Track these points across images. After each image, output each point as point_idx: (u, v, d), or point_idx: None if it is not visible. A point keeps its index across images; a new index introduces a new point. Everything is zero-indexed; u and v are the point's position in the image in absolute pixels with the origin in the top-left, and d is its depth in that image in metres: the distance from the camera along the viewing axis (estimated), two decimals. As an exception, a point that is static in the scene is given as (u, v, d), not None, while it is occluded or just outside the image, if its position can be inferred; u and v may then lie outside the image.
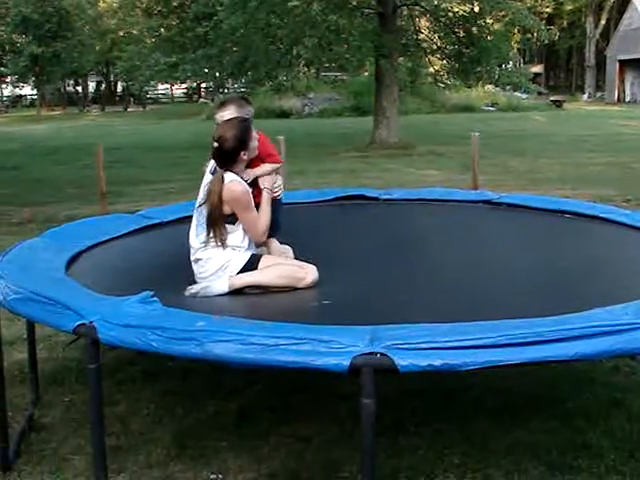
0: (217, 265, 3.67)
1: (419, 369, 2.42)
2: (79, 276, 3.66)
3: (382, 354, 2.45)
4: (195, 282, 3.70)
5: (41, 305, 3.11)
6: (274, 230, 3.99)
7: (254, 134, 3.86)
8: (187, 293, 3.60)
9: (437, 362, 2.42)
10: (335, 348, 2.50)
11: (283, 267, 3.72)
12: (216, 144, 3.72)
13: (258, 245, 3.87)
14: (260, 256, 3.77)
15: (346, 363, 2.44)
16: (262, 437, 3.63)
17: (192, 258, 3.77)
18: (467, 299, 3.47)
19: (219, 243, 3.69)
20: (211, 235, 3.69)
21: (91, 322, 2.85)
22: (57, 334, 4.93)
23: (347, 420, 3.68)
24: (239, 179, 3.73)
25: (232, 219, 3.70)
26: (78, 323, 2.88)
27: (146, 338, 2.71)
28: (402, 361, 2.42)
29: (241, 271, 3.68)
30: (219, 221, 3.68)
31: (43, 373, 4.40)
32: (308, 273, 3.67)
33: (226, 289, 3.62)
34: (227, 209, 3.67)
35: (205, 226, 3.70)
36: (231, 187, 3.66)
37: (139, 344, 2.74)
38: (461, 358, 2.43)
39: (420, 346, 2.47)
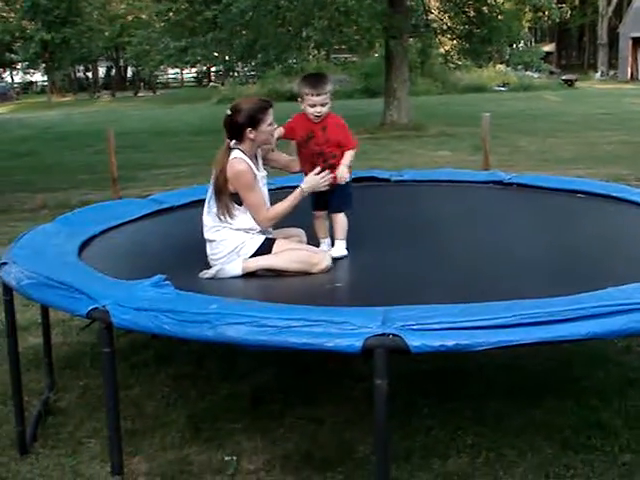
0: (229, 248, 3.67)
1: (431, 349, 2.42)
2: (92, 261, 3.68)
3: (394, 335, 2.45)
4: (208, 265, 3.71)
5: (54, 290, 3.12)
6: (346, 205, 3.93)
7: (271, 121, 3.74)
8: (201, 276, 3.61)
9: (449, 342, 2.42)
10: (348, 329, 2.50)
11: (297, 252, 3.70)
12: (229, 112, 3.73)
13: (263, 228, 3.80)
14: (274, 240, 3.77)
15: (359, 344, 2.45)
16: (276, 419, 3.65)
17: (205, 236, 3.77)
18: (479, 280, 3.46)
19: (226, 218, 3.68)
20: (219, 210, 3.69)
21: (104, 306, 2.86)
22: (71, 318, 4.97)
23: (361, 401, 3.69)
24: (242, 157, 3.68)
25: (237, 198, 3.68)
26: (91, 307, 2.90)
27: (159, 321, 2.72)
28: (414, 342, 2.42)
29: (254, 254, 3.68)
30: (223, 192, 3.67)
31: (58, 357, 4.44)
32: (322, 259, 3.66)
33: (240, 272, 3.63)
34: (232, 187, 3.66)
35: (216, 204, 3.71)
36: (233, 164, 3.64)
37: (152, 327, 2.75)
38: (473, 338, 2.43)
39: (432, 327, 2.47)
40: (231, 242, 3.68)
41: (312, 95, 3.72)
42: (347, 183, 3.85)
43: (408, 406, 3.66)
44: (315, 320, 2.57)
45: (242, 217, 3.69)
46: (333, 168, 3.78)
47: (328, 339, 2.50)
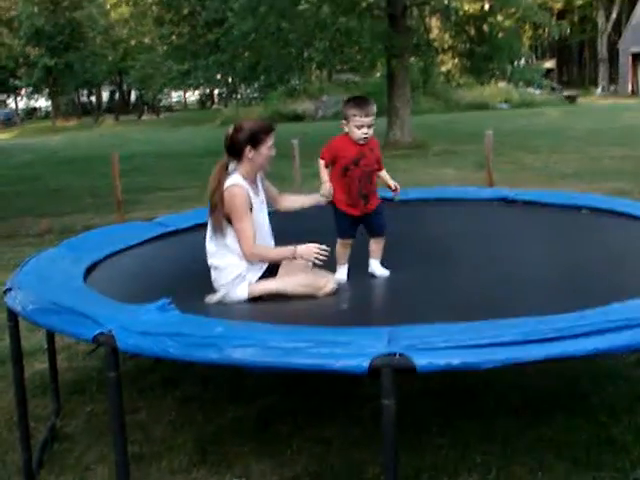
0: (234, 274, 3.66)
1: (438, 368, 2.41)
2: (97, 285, 3.68)
3: (401, 354, 2.44)
4: (213, 288, 3.71)
5: (60, 315, 3.12)
6: (386, 227, 3.98)
7: (271, 145, 3.77)
8: (207, 301, 3.61)
9: (455, 361, 2.41)
10: (354, 350, 2.49)
11: (302, 276, 3.69)
12: (231, 129, 3.75)
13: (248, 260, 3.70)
14: (278, 264, 3.76)
15: (365, 364, 2.44)
16: (284, 441, 3.63)
17: (209, 262, 3.77)
18: (484, 297, 3.45)
19: (220, 235, 3.66)
20: (213, 228, 3.69)
21: (110, 330, 2.86)
22: (77, 343, 4.96)
23: (369, 421, 3.67)
24: (241, 183, 3.67)
25: None
26: (97, 332, 2.89)
27: (164, 345, 2.71)
28: (421, 361, 2.41)
29: (259, 279, 3.68)
30: (218, 210, 3.66)
31: (64, 383, 4.43)
32: (328, 282, 3.66)
33: (245, 296, 3.63)
34: (226, 211, 3.66)
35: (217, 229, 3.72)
36: (231, 190, 3.64)
37: (158, 351, 2.74)
38: (479, 356, 2.42)
39: (438, 345, 2.46)
40: (236, 268, 3.67)
41: (361, 116, 3.75)
42: (381, 206, 3.95)
43: (417, 425, 3.64)
44: (321, 341, 2.56)
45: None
46: (367, 198, 3.86)
47: (335, 360, 2.48)
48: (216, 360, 2.63)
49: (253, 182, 3.78)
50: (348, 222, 3.87)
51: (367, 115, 3.76)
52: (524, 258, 4.21)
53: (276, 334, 2.67)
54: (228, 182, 3.66)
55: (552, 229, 4.93)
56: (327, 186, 3.83)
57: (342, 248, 3.92)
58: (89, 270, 4.07)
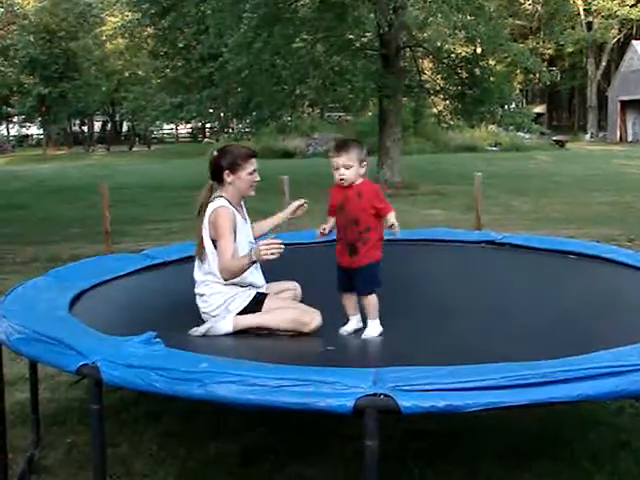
0: (219, 301, 3.68)
1: (422, 410, 2.41)
2: (82, 316, 3.66)
3: (385, 395, 2.44)
4: (199, 321, 3.71)
5: (44, 345, 3.11)
6: (376, 284, 3.65)
7: (252, 171, 3.83)
8: (192, 333, 3.60)
9: (440, 403, 2.41)
10: (339, 389, 2.49)
11: (288, 311, 3.71)
12: (216, 153, 3.86)
13: (225, 278, 3.69)
14: (265, 295, 3.77)
15: (350, 404, 2.43)
16: (265, 478, 3.60)
17: (195, 291, 3.78)
18: (470, 341, 3.46)
19: (202, 260, 3.72)
20: (197, 251, 3.75)
21: (94, 362, 2.84)
22: (60, 374, 4.91)
23: (351, 461, 3.65)
24: (226, 205, 3.75)
25: None
26: (81, 363, 2.88)
27: (149, 379, 2.70)
28: (405, 402, 2.41)
29: (245, 309, 3.68)
30: (199, 235, 3.74)
31: (45, 414, 4.38)
32: (313, 319, 3.66)
33: (230, 329, 3.63)
34: (213, 234, 3.71)
35: (204, 254, 3.74)
36: (216, 211, 3.72)
37: (142, 385, 2.73)
38: (464, 399, 2.42)
39: (423, 387, 2.46)
40: (221, 296, 3.69)
41: (333, 157, 3.64)
42: (369, 264, 3.61)
43: (399, 467, 3.62)
44: (306, 380, 2.55)
45: None
46: (354, 250, 3.59)
47: (319, 399, 2.48)
48: (200, 396, 2.62)
49: (239, 206, 3.84)
50: (339, 274, 3.71)
51: (339, 156, 3.61)
52: (510, 302, 4.23)
53: (261, 371, 2.66)
54: (213, 205, 3.72)
55: (539, 274, 4.95)
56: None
57: (344, 301, 3.75)
58: (75, 300, 4.06)
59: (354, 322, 3.73)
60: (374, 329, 3.63)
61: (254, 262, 3.62)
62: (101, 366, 2.81)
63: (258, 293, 3.77)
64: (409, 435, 3.93)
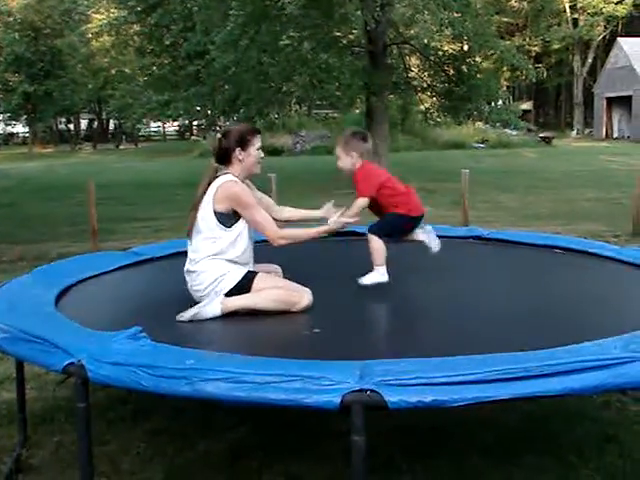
0: (210, 279, 3.69)
1: (409, 405, 2.42)
2: (68, 312, 3.65)
3: (372, 391, 2.44)
4: (191, 303, 3.71)
5: (30, 344, 3.10)
6: (379, 229, 4.32)
7: (259, 147, 3.95)
8: (179, 318, 3.60)
9: (427, 398, 2.42)
10: (325, 385, 2.49)
11: (277, 291, 3.73)
12: (219, 135, 3.91)
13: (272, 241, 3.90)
14: (255, 274, 3.77)
15: (337, 401, 2.44)
16: (253, 476, 3.60)
17: (185, 268, 3.79)
18: (456, 334, 3.47)
19: (191, 235, 3.77)
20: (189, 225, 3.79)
21: (80, 361, 2.84)
22: (46, 373, 4.90)
23: (339, 457, 3.65)
24: (236, 179, 3.80)
25: (226, 220, 3.72)
26: (67, 362, 2.87)
27: (136, 377, 2.70)
28: (392, 398, 2.41)
29: (234, 288, 3.68)
30: (196, 209, 3.77)
31: (32, 413, 4.36)
32: (302, 297, 3.69)
33: (219, 312, 3.63)
34: (221, 207, 3.70)
35: (199, 230, 3.75)
36: (228, 186, 3.75)
37: (129, 382, 2.72)
38: (450, 394, 2.43)
39: (410, 382, 2.47)
40: (211, 273, 3.70)
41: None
42: (387, 214, 4.34)
43: (387, 462, 3.63)
44: (293, 375, 2.56)
45: (223, 242, 3.71)
46: (379, 214, 4.37)
47: (306, 395, 2.49)
48: (188, 393, 2.62)
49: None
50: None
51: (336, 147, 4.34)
52: (497, 296, 4.24)
53: (248, 367, 2.66)
54: (221, 179, 3.75)
55: (525, 269, 4.97)
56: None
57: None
58: (60, 297, 4.05)
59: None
60: (371, 276, 4.19)
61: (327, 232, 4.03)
62: (87, 364, 2.81)
63: (249, 271, 3.78)
64: (397, 430, 3.94)
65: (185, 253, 3.92)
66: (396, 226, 4.36)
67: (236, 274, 3.72)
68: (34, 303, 3.73)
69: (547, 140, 39.47)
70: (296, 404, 2.50)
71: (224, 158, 3.88)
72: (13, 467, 3.73)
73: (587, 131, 49.08)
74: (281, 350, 3.05)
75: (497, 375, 2.48)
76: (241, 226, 3.80)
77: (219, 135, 3.94)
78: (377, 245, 4.23)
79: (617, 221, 11.75)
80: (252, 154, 3.89)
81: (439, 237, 4.61)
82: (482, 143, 36.76)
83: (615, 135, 45.22)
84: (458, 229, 6.55)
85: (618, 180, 18.65)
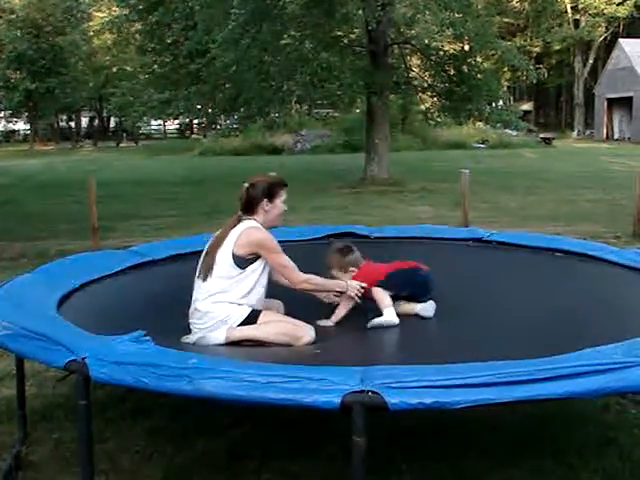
0: (215, 320, 3.68)
1: (409, 407, 2.42)
2: (71, 314, 3.66)
3: (373, 392, 2.45)
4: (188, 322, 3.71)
5: (32, 341, 3.10)
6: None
7: (284, 199, 3.96)
8: (184, 341, 3.62)
9: (427, 400, 2.42)
10: (326, 386, 2.50)
11: (282, 324, 3.75)
12: (246, 185, 3.88)
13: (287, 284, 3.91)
14: (260, 311, 3.78)
15: (337, 401, 2.44)
16: (253, 475, 3.60)
17: (194, 306, 3.77)
18: (457, 339, 3.47)
19: (207, 276, 3.72)
20: (202, 267, 3.75)
21: (83, 358, 2.84)
22: (47, 370, 4.90)
23: (339, 457, 3.65)
24: (259, 225, 3.81)
25: (242, 263, 3.72)
26: (70, 359, 2.88)
27: (137, 375, 2.71)
28: (393, 399, 2.42)
29: (240, 325, 3.70)
30: (213, 253, 3.74)
31: (32, 409, 4.36)
32: (306, 333, 3.69)
33: (222, 340, 3.64)
34: (241, 251, 3.70)
35: (212, 272, 3.75)
36: (252, 232, 3.75)
37: (130, 381, 2.73)
38: (451, 396, 2.43)
39: (411, 384, 2.47)
40: (217, 315, 3.69)
41: None
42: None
43: (387, 463, 3.63)
44: (294, 376, 2.56)
45: (235, 284, 3.72)
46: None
47: (306, 395, 2.49)
48: (189, 392, 2.63)
49: None
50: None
51: None
52: (498, 300, 4.25)
53: (249, 368, 2.67)
54: (245, 225, 3.76)
55: (526, 271, 4.97)
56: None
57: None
58: (63, 298, 4.05)
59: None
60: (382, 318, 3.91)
61: (341, 293, 3.97)
62: (90, 362, 2.81)
63: (253, 310, 3.78)
64: (397, 431, 3.95)
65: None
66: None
67: (241, 312, 3.73)
68: (37, 303, 3.75)
69: (548, 141, 39.48)
70: (296, 404, 2.50)
71: (250, 207, 3.88)
72: (13, 464, 3.73)
73: (588, 132, 49.07)
74: (284, 359, 3.07)
75: (498, 378, 2.49)
76: (256, 268, 3.79)
77: (246, 184, 3.92)
78: (378, 290, 4.06)
79: (617, 222, 11.75)
80: (277, 206, 3.91)
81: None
82: (482, 143, 36.76)
83: (616, 136, 45.21)
84: (458, 230, 6.55)
85: (619, 181, 18.65)
